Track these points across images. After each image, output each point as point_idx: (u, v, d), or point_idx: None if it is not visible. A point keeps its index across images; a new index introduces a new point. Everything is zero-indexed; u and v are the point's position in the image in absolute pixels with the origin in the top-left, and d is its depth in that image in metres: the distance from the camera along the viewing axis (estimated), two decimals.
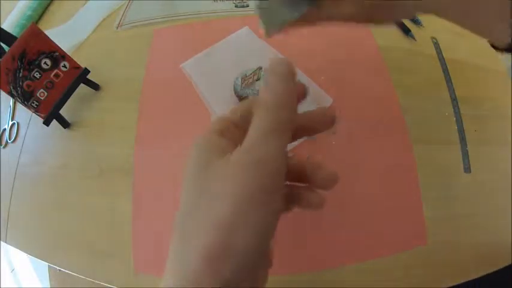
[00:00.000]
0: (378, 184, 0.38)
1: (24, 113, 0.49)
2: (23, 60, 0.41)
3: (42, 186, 0.43)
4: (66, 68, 0.44)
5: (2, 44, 0.42)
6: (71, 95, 0.45)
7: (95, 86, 0.47)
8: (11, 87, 0.41)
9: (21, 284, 1.12)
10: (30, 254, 0.39)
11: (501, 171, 0.38)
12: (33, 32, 0.41)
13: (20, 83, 0.42)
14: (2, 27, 0.41)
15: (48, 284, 1.06)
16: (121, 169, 0.41)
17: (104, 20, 0.55)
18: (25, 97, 0.42)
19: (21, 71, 0.42)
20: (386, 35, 0.47)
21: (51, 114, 0.44)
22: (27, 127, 0.48)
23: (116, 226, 0.38)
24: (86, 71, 0.46)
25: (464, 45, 0.47)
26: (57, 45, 0.43)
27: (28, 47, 0.41)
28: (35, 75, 0.42)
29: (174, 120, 0.43)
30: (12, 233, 0.41)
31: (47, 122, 0.44)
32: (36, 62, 0.42)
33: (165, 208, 0.37)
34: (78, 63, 0.45)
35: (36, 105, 0.43)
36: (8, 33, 0.41)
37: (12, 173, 0.45)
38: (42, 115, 0.44)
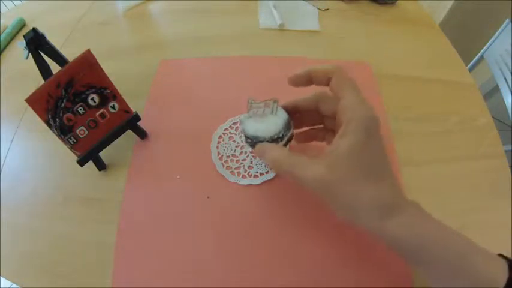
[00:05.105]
0: None
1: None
2: (69, 90, 0.32)
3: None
4: (114, 109, 0.34)
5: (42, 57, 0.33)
6: (114, 139, 0.36)
7: (142, 134, 0.37)
8: (49, 116, 0.33)
9: None
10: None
11: (489, 183, 0.37)
12: (87, 61, 0.31)
13: (60, 114, 0.33)
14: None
15: None
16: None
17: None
18: (62, 130, 0.34)
19: (64, 101, 0.33)
20: None
21: (88, 156, 0.36)
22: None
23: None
24: (137, 117, 0.35)
25: None
26: (111, 82, 0.33)
27: (77, 76, 0.32)
28: (79, 109, 0.33)
29: None
30: None
31: (81, 162, 0.36)
32: (83, 96, 0.33)
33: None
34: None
35: (73, 142, 0.35)
36: (60, 54, 0.32)
37: None
38: (78, 153, 0.36)
